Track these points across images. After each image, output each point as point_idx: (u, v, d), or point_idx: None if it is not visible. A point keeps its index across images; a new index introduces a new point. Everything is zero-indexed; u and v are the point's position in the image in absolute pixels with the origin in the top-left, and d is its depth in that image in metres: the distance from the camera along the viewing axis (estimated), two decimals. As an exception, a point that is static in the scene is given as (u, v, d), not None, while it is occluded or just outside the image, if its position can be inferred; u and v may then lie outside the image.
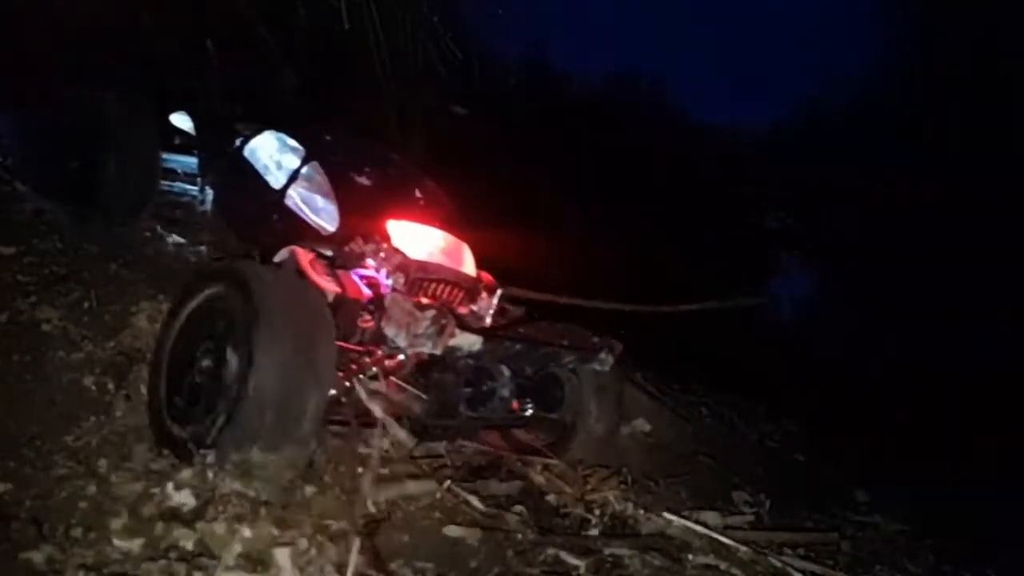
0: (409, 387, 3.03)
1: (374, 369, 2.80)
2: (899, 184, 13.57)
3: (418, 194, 3.86)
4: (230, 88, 4.51)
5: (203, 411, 2.37)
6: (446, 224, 3.62)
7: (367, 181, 3.64)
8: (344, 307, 2.77)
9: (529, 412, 3.46)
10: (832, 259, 16.19)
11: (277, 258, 3.02)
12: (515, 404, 3.39)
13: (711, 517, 3.31)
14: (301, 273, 2.83)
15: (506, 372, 3.29)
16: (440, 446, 3.24)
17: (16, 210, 4.16)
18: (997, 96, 12.46)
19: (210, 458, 2.22)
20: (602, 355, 3.35)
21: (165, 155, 4.19)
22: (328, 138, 4.09)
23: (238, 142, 3.93)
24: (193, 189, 4.25)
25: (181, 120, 4.31)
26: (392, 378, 2.94)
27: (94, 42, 4.86)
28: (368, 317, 2.82)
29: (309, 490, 2.31)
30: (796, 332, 16.68)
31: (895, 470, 7.09)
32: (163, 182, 4.20)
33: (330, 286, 2.79)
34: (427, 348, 2.72)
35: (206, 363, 2.49)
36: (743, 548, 2.93)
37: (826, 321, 16.49)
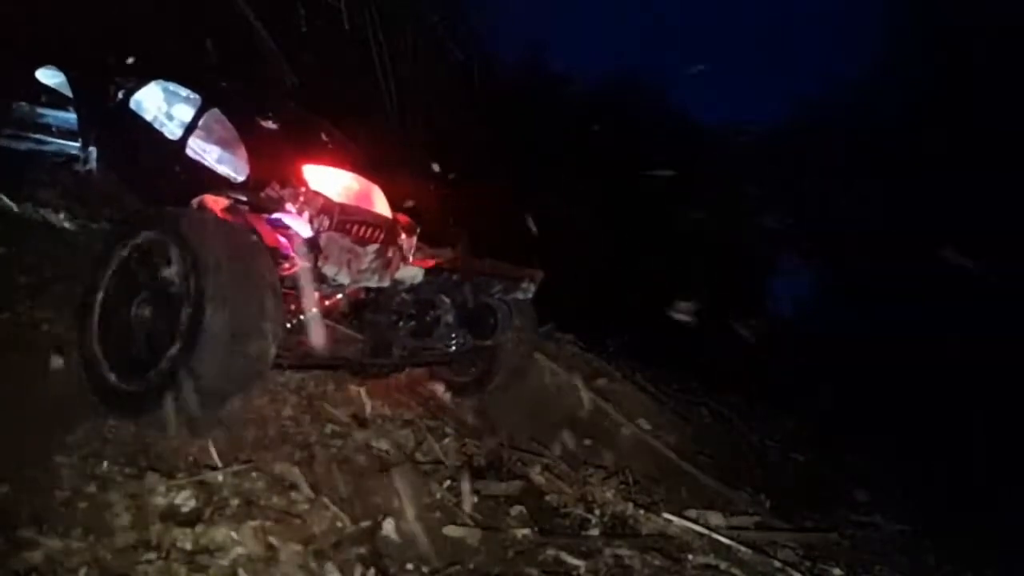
0: (342, 328, 3.04)
1: (312, 310, 2.76)
2: (898, 182, 13.57)
3: (325, 138, 3.81)
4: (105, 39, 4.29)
5: (146, 364, 2.29)
6: (357, 167, 3.56)
7: (273, 126, 3.51)
8: None
9: (453, 349, 3.54)
10: (831, 258, 16.18)
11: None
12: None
13: (711, 517, 3.31)
14: None
15: (447, 301, 3.36)
16: (440, 448, 3.24)
17: (16, 210, 4.15)
18: (996, 94, 12.45)
19: (158, 417, 2.19)
20: (524, 284, 3.49)
21: (40, 110, 4.00)
22: (224, 84, 3.97)
23: (120, 95, 3.74)
24: (73, 146, 3.97)
25: (49, 75, 4.06)
26: (326, 320, 2.92)
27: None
28: (287, 265, 2.75)
29: (305, 492, 2.31)
30: (796, 331, 16.68)
31: (895, 470, 7.09)
32: (38, 136, 4.01)
33: None
34: (373, 282, 2.69)
35: (146, 313, 2.41)
36: (743, 548, 2.94)
37: (825, 319, 16.48)
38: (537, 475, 3.30)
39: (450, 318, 3.36)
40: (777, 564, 2.93)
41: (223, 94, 3.69)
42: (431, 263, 3.40)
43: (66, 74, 3.98)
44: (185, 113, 3.50)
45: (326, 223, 2.95)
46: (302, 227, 2.90)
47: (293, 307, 2.73)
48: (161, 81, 3.67)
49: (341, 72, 7.72)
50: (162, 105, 3.61)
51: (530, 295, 3.55)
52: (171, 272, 2.33)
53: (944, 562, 4.31)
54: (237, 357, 2.22)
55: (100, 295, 2.55)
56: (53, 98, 4.01)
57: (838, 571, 3.16)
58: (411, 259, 3.42)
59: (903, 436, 8.69)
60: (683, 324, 7.99)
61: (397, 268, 2.77)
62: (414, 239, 3.48)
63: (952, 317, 12.11)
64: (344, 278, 2.67)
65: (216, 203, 2.84)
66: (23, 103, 4.02)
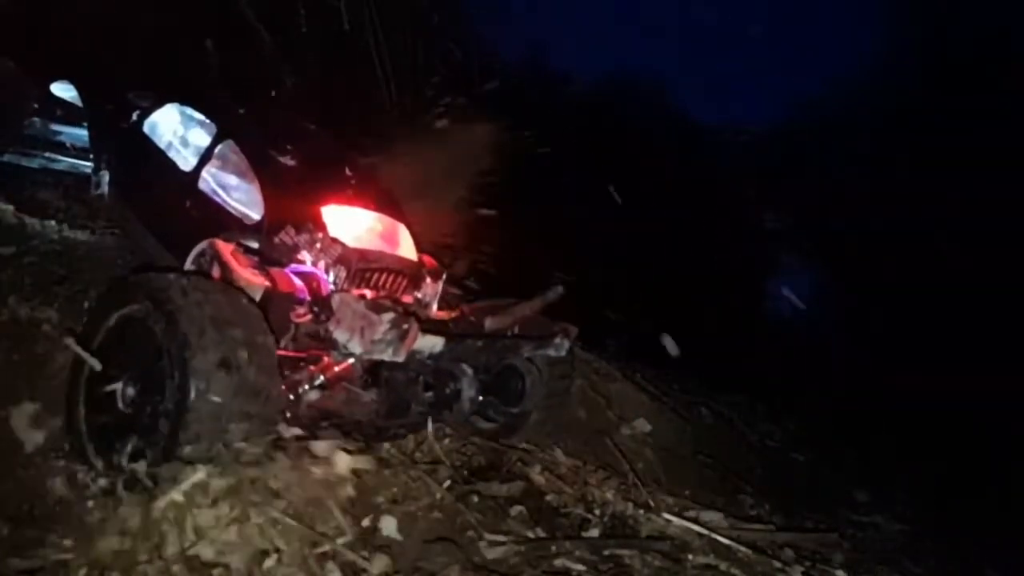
0: (354, 388, 2.78)
1: (320, 377, 2.56)
2: (898, 182, 13.59)
3: (348, 173, 3.54)
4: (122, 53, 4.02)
5: (134, 451, 2.13)
6: (381, 205, 3.35)
7: (291, 161, 3.27)
8: (275, 303, 2.50)
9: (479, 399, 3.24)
10: (832, 258, 16.19)
11: (195, 252, 2.73)
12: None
13: (711, 517, 3.31)
14: (225, 268, 2.56)
15: (468, 371, 3.05)
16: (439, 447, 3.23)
17: (17, 211, 4.16)
18: (996, 93, 12.46)
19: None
20: (558, 340, 3.21)
21: (53, 126, 3.84)
22: (241, 112, 3.68)
23: (135, 116, 3.49)
24: (86, 165, 3.76)
25: (64, 89, 3.84)
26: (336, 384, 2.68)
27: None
28: (302, 311, 2.58)
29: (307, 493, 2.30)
30: (796, 331, 16.67)
31: (895, 470, 7.09)
32: (52, 155, 3.88)
33: (257, 280, 2.53)
34: (387, 356, 2.42)
35: (131, 392, 2.25)
36: (743, 548, 2.94)
37: (826, 320, 16.49)
38: (537, 475, 3.30)
39: (472, 391, 3.06)
40: (777, 564, 2.93)
41: (239, 123, 3.46)
42: (456, 313, 3.19)
43: (78, 90, 3.80)
44: (199, 142, 3.30)
45: (343, 274, 2.81)
46: (322, 277, 2.76)
47: (298, 376, 2.54)
48: (177, 104, 3.46)
49: (340, 72, 7.72)
50: (176, 130, 3.40)
51: (563, 352, 3.22)
52: (157, 347, 2.15)
53: (944, 562, 4.31)
54: (228, 439, 2.07)
55: (86, 375, 2.38)
56: (69, 112, 3.85)
57: (839, 571, 3.16)
58: (435, 307, 3.26)
59: (903, 436, 8.69)
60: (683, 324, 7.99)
61: (414, 340, 2.46)
62: (440, 284, 3.30)
63: (952, 315, 12.12)
64: (356, 347, 2.45)
65: (226, 248, 2.65)
66: (36, 119, 3.87)
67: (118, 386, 2.28)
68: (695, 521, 3.08)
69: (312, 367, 2.57)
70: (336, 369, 2.59)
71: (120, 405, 2.27)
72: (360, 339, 2.41)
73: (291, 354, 2.55)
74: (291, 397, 2.49)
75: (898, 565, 3.90)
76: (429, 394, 2.97)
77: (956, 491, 6.53)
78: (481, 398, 3.17)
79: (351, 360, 2.59)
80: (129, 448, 2.16)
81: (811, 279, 17.58)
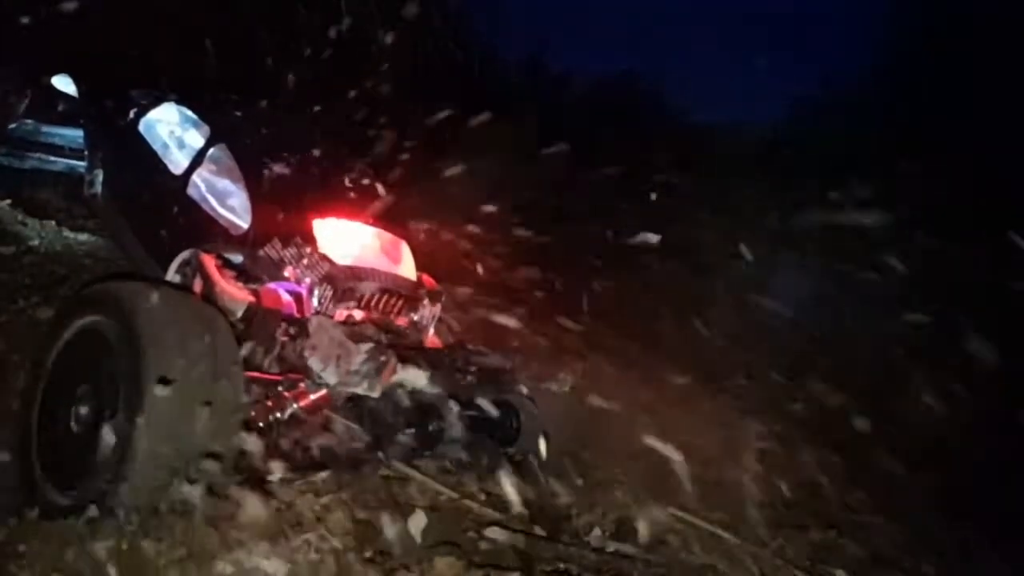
0: (337, 417, 2.60)
1: (294, 405, 2.38)
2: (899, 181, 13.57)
3: (347, 183, 3.36)
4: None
5: (83, 474, 1.95)
6: (380, 218, 3.18)
7: (285, 168, 3.10)
8: (259, 320, 2.35)
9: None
10: (831, 257, 16.16)
11: (178, 260, 2.61)
12: None
13: (712, 517, 3.31)
14: (207, 280, 2.42)
15: (455, 408, 2.76)
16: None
17: (16, 212, 4.15)
18: (996, 92, 12.46)
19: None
20: (561, 375, 3.05)
21: (46, 128, 3.80)
22: (238, 114, 3.58)
23: (132, 113, 3.38)
24: (81, 165, 3.70)
25: (66, 83, 3.76)
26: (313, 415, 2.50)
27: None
28: (291, 329, 2.43)
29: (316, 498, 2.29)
30: (796, 330, 16.63)
31: (896, 470, 7.08)
32: (45, 156, 3.86)
33: (241, 294, 2.38)
34: (362, 389, 2.29)
35: (84, 411, 2.07)
36: (744, 548, 2.94)
37: (824, 319, 16.46)
38: (541, 476, 3.29)
39: (456, 432, 2.75)
40: (778, 563, 2.93)
41: (234, 127, 3.32)
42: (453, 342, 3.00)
43: (77, 85, 3.74)
44: (192, 145, 3.17)
45: (329, 293, 2.65)
46: (306, 296, 2.62)
47: (272, 402, 2.35)
48: (174, 104, 3.36)
49: (341, 73, 7.72)
50: (171, 131, 3.28)
51: (567, 388, 3.07)
52: (112, 363, 2.00)
53: (944, 562, 4.31)
54: (182, 469, 1.87)
55: (40, 391, 2.24)
56: (65, 110, 3.80)
57: (838, 571, 3.17)
58: (432, 330, 3.10)
59: (902, 435, 8.67)
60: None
61: (392, 374, 2.33)
62: (439, 307, 3.13)
63: (952, 313, 12.10)
64: (331, 377, 2.31)
65: (211, 260, 2.52)
66: (28, 121, 3.83)
67: (71, 403, 2.11)
68: (695, 521, 3.08)
69: (287, 393, 2.41)
70: (312, 397, 2.42)
71: (72, 424, 2.09)
72: (335, 369, 2.30)
73: (266, 377, 2.38)
74: (261, 425, 2.31)
75: (898, 565, 3.89)
76: (411, 430, 2.75)
77: (956, 491, 6.52)
78: (470, 437, 2.90)
79: (326, 391, 2.42)
80: (77, 473, 1.99)
81: (811, 277, 17.56)
